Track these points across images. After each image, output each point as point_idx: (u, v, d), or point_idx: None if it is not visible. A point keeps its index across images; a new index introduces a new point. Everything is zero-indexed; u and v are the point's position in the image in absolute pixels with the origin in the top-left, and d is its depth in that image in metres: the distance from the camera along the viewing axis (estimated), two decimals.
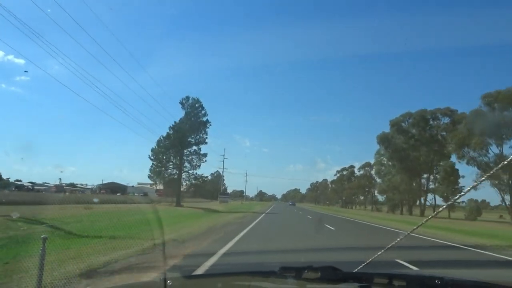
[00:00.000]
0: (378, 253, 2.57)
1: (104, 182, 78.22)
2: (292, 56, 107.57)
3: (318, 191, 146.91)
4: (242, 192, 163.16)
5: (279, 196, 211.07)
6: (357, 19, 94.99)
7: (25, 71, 42.91)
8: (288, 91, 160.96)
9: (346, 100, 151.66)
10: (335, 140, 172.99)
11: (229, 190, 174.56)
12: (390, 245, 2.69)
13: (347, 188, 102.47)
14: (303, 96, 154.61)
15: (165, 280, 1.98)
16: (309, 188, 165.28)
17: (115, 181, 77.26)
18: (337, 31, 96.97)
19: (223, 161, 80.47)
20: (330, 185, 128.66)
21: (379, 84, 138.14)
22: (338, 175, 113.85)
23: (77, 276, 5.10)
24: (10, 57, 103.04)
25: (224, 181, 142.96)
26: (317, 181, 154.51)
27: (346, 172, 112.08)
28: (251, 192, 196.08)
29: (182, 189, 48.96)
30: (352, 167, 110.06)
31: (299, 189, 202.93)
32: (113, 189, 70.46)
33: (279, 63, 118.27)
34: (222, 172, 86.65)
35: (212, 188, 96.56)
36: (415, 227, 2.62)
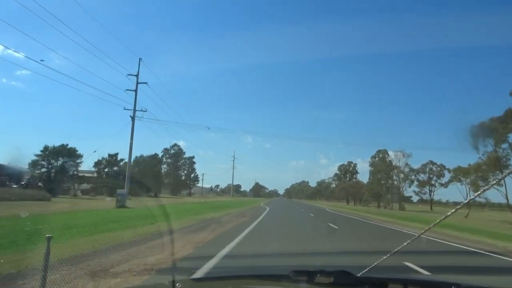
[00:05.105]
0: (384, 257, 2.51)
1: None
2: (300, 54, 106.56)
3: (349, 179, 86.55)
4: (238, 186, 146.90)
5: (281, 191, 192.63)
6: (357, 19, 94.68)
7: (41, 60, 37.87)
8: (290, 88, 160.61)
9: (350, 97, 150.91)
10: (339, 136, 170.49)
11: (222, 184, 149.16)
12: (399, 248, 2.62)
13: None
14: (306, 92, 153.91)
15: (173, 282, 1.94)
16: (336, 174, 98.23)
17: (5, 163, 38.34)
18: (341, 30, 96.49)
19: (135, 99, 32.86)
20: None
21: (379, 82, 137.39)
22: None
23: None
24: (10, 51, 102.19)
25: (194, 165, 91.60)
26: (350, 162, 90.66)
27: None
28: (248, 186, 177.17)
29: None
30: None
31: (307, 182, 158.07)
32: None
33: (284, 61, 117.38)
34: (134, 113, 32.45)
35: (154, 172, 62.96)
36: (427, 227, 2.55)
